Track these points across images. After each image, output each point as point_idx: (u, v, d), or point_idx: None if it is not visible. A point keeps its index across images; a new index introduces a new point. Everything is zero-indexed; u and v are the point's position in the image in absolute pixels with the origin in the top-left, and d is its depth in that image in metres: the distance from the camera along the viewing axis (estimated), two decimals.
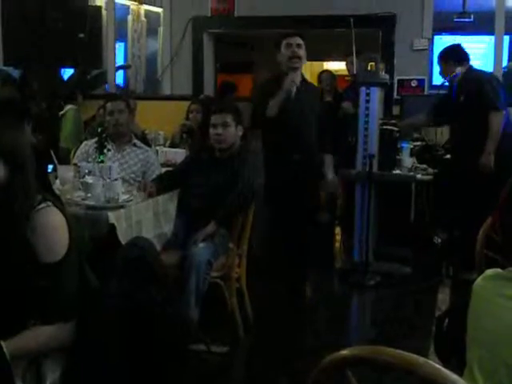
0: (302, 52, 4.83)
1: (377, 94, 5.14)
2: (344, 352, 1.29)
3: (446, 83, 5.41)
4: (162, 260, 2.60)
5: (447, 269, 5.30)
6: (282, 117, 4.75)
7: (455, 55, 5.28)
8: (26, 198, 1.96)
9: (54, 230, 1.98)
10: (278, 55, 4.85)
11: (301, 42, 4.82)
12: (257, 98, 5.02)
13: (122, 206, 3.61)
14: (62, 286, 1.98)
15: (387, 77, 5.41)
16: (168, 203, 4.12)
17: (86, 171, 3.93)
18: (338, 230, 6.60)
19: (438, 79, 6.11)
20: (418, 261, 5.38)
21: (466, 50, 5.35)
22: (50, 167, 4.10)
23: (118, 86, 8.43)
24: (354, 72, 5.96)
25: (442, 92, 5.59)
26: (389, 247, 5.42)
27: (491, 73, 5.57)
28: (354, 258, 5.34)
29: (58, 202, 2.11)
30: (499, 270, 1.61)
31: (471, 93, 5.04)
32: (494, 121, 4.93)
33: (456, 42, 5.83)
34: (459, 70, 5.19)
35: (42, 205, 1.98)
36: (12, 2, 7.34)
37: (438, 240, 5.73)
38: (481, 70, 5.50)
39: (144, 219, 3.76)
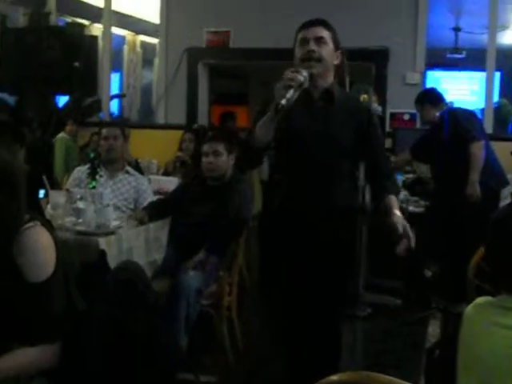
0: (324, 49, 2.87)
1: None
2: (334, 377, 1.28)
3: (426, 126, 5.56)
4: (151, 286, 2.59)
5: (438, 301, 5.29)
6: (289, 147, 2.97)
7: (431, 98, 5.42)
8: (14, 217, 1.95)
9: (40, 249, 1.97)
10: (295, 59, 2.97)
11: (323, 34, 2.89)
12: (252, 124, 3.01)
13: (112, 232, 3.61)
14: (48, 306, 1.96)
15: (380, 109, 5.47)
16: (159, 231, 4.12)
17: (78, 197, 3.92)
18: None
19: None
20: (409, 293, 5.38)
21: (440, 92, 5.51)
22: (42, 192, 4.10)
23: (112, 115, 8.47)
24: None
25: (424, 129, 5.71)
26: (379, 279, 5.42)
27: (466, 108, 5.70)
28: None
29: (46, 223, 2.11)
30: (490, 297, 1.61)
31: (449, 129, 5.17)
32: (475, 151, 5.05)
33: (431, 86, 6.03)
34: (436, 111, 5.33)
35: (30, 224, 1.98)
36: (9, 30, 7.42)
37: (428, 272, 5.73)
38: (456, 108, 5.69)
39: (135, 246, 3.75)
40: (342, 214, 2.95)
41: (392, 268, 5.44)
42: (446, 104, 5.45)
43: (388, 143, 6.75)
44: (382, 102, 6.60)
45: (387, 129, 6.85)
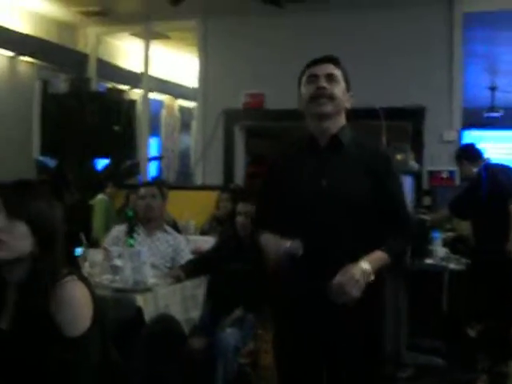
0: (336, 87, 2.53)
1: (407, 182, 5.13)
2: None
3: (465, 182, 5.50)
4: (188, 339, 2.55)
5: (483, 361, 5.12)
6: (288, 208, 2.57)
7: (468, 154, 5.38)
8: (52, 270, 1.96)
9: (77, 304, 1.96)
10: (299, 101, 2.62)
11: (334, 71, 2.56)
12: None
13: (149, 290, 3.60)
14: (83, 360, 1.94)
15: (417, 166, 5.42)
16: (196, 289, 4.10)
17: (116, 254, 3.93)
18: None
19: None
20: (452, 353, 5.22)
21: (478, 149, 5.46)
22: (80, 250, 4.13)
23: (150, 177, 8.58)
24: None
25: (463, 186, 5.64)
26: (421, 338, 5.28)
27: (504, 164, 5.63)
28: (386, 349, 5.20)
29: (84, 278, 2.10)
30: None
31: (487, 185, 5.10)
32: None
33: (471, 142, 5.93)
34: (475, 168, 5.27)
35: (67, 278, 1.97)
36: (51, 95, 7.63)
37: (472, 331, 5.57)
38: (494, 164, 5.61)
39: (172, 303, 3.73)
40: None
41: (434, 327, 5.32)
42: (484, 160, 5.39)
43: (427, 201, 6.70)
44: (419, 160, 6.57)
45: (425, 187, 6.80)
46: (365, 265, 2.37)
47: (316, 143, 2.55)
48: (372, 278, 2.37)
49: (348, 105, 2.59)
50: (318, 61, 2.59)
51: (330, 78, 2.53)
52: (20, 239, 1.94)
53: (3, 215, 1.93)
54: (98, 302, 2.05)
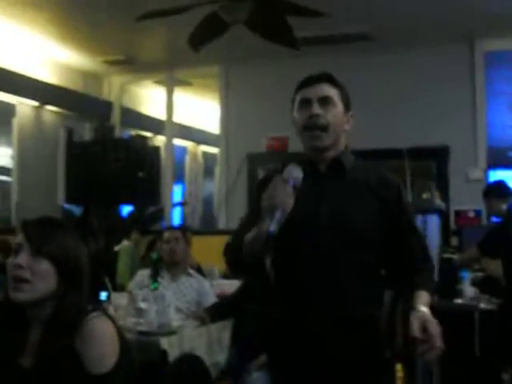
0: (331, 112, 2.21)
1: (434, 221, 5.07)
2: None
3: (493, 219, 5.40)
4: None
5: None
6: (284, 241, 2.11)
7: (498, 192, 5.30)
8: (77, 308, 1.93)
9: (103, 339, 1.92)
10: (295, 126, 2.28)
11: (329, 92, 2.23)
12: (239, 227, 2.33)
13: (174, 332, 3.56)
14: None
15: (443, 204, 5.36)
16: (222, 332, 4.04)
17: (140, 298, 3.91)
18: (398, 366, 6.30)
19: None
20: None
21: (508, 185, 5.38)
22: (105, 295, 4.11)
23: (174, 223, 8.58)
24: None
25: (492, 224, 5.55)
26: (455, 383, 5.12)
27: None
28: None
29: (109, 316, 2.08)
30: None
31: None
32: None
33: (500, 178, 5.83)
34: (504, 205, 5.19)
35: (93, 314, 1.94)
36: (76, 143, 7.72)
37: (506, 375, 5.40)
38: None
39: (197, 346, 3.68)
40: (357, 326, 2.14)
41: (468, 371, 5.17)
42: None
43: (454, 241, 6.61)
44: (445, 200, 6.50)
45: (452, 226, 6.71)
46: (424, 308, 2.09)
47: (315, 168, 2.22)
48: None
49: (347, 127, 2.27)
50: (310, 81, 2.25)
51: (325, 101, 2.20)
52: (45, 278, 1.91)
53: (27, 252, 1.90)
54: (124, 338, 2.01)
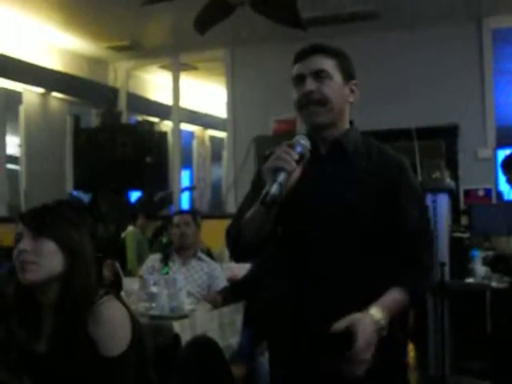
0: (327, 86, 2.03)
1: (444, 200, 5.04)
2: None
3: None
4: (226, 361, 2.50)
5: None
6: (283, 225, 2.07)
7: None
8: (86, 289, 1.93)
9: (116, 323, 1.93)
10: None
11: (323, 65, 2.04)
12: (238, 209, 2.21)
13: (186, 316, 3.56)
14: (122, 380, 1.90)
15: (453, 183, 5.32)
16: (234, 314, 4.04)
17: (151, 283, 3.90)
18: (410, 346, 6.31)
19: (506, 188, 5.99)
20: (498, 375, 5.04)
21: None
22: None
23: (183, 208, 8.58)
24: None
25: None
26: (466, 360, 5.12)
27: None
28: (430, 373, 5.06)
29: (122, 299, 2.08)
30: None
31: None
32: None
33: None
34: None
35: (105, 298, 1.95)
36: (83, 130, 7.72)
37: None
38: None
39: (209, 330, 3.67)
40: (360, 300, 1.85)
41: (479, 348, 5.16)
42: None
43: (464, 221, 6.57)
44: (455, 179, 6.47)
45: (462, 206, 6.68)
46: (377, 314, 1.81)
47: (316, 150, 2.02)
48: (384, 333, 1.81)
49: (352, 98, 2.08)
50: (303, 54, 2.07)
51: (320, 74, 2.02)
52: (49, 257, 1.93)
53: (29, 237, 1.93)
54: (137, 322, 2.02)
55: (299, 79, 2.04)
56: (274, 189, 1.80)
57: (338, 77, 2.04)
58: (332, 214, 1.99)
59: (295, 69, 2.07)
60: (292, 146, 1.89)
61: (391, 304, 1.86)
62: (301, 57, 2.06)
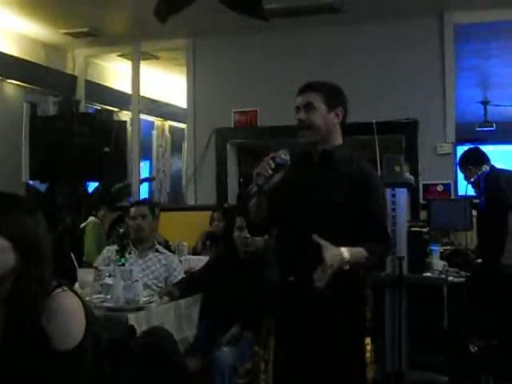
0: (313, 115, 2.77)
1: (403, 195, 5.04)
2: None
3: (471, 188, 5.36)
4: (180, 351, 2.45)
5: (487, 378, 4.99)
6: (277, 209, 2.86)
7: (474, 159, 5.25)
8: (39, 285, 1.86)
9: (69, 316, 1.88)
10: None
11: (311, 99, 2.80)
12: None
13: (142, 308, 3.49)
14: (77, 373, 1.85)
15: (412, 178, 5.33)
16: (190, 307, 4.00)
17: (107, 274, 3.83)
18: (367, 340, 6.32)
19: (463, 184, 6.03)
20: (455, 369, 5.08)
21: (483, 152, 5.33)
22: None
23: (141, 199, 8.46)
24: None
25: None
26: (423, 355, 5.15)
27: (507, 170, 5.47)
28: (387, 367, 5.06)
29: (75, 291, 2.01)
30: None
31: (490, 193, 4.97)
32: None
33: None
34: (481, 171, 5.13)
35: (58, 290, 1.88)
36: (39, 118, 7.54)
37: (474, 348, 5.44)
38: (501, 169, 5.44)
39: (165, 322, 3.62)
40: (341, 283, 2.57)
41: (435, 343, 5.19)
42: (489, 164, 5.22)
43: (423, 215, 6.62)
44: (414, 174, 6.50)
45: (421, 200, 6.72)
46: (344, 250, 2.56)
47: (310, 158, 2.86)
48: (347, 267, 2.55)
49: (336, 121, 2.82)
50: (299, 91, 2.87)
51: (308, 106, 2.80)
52: (0, 256, 1.83)
53: None
54: (90, 314, 1.96)
55: (297, 109, 2.85)
56: (253, 187, 2.71)
57: (322, 107, 2.80)
58: (315, 201, 2.76)
59: (295, 102, 2.86)
60: (273, 158, 2.70)
61: (356, 251, 2.62)
62: (299, 92, 2.86)
